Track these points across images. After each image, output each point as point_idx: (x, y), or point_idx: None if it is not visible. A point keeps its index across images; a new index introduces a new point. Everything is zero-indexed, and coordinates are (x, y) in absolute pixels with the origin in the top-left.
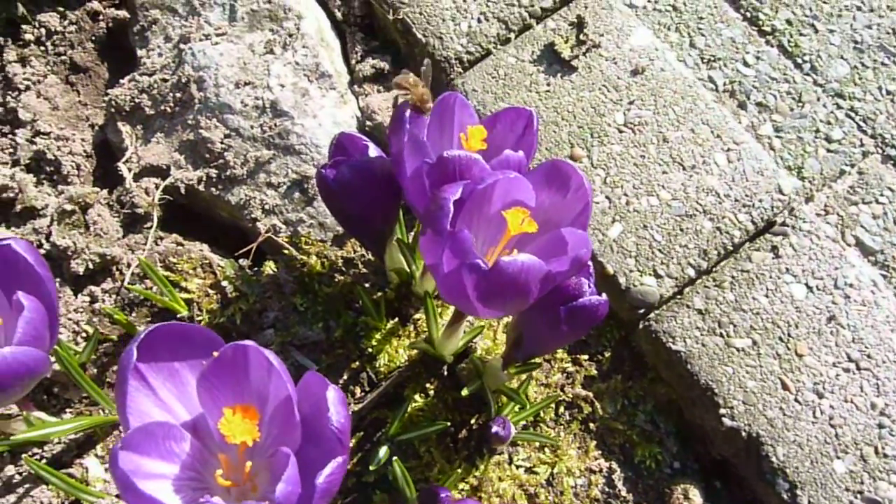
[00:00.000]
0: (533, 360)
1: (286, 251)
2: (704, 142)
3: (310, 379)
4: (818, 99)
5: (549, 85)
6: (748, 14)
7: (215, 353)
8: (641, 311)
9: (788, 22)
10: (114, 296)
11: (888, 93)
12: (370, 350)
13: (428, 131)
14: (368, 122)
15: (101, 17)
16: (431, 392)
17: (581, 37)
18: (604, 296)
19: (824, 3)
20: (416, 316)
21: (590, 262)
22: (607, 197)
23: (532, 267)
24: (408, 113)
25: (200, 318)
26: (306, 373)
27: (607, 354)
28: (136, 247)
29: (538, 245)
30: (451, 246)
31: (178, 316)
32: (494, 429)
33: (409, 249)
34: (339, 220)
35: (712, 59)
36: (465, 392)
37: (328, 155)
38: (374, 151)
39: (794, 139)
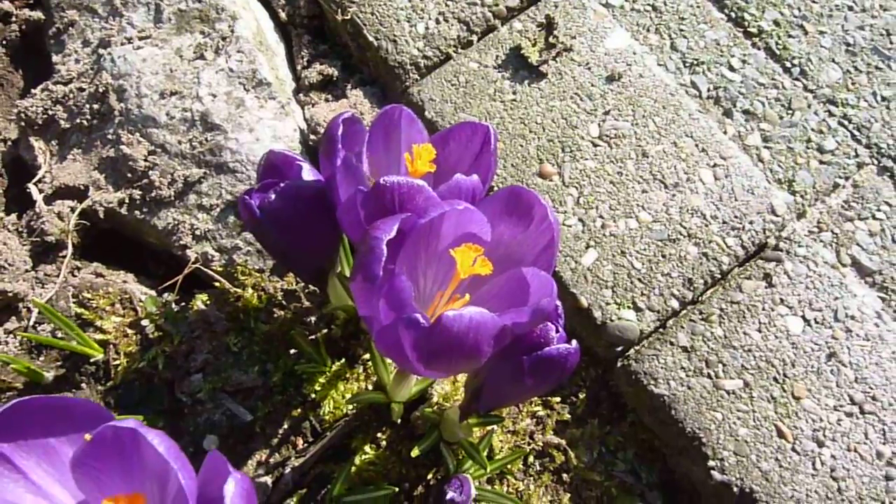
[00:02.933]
0: (495, 413)
1: (218, 283)
2: (688, 156)
3: (212, 461)
4: (809, 106)
5: (515, 93)
6: (733, 14)
7: (88, 437)
8: (619, 348)
9: (776, 23)
10: (19, 336)
11: (883, 99)
12: (313, 396)
13: (370, 151)
14: (313, 137)
15: (13, 20)
16: (383, 443)
17: (551, 39)
18: (574, 343)
19: (814, 2)
20: (366, 356)
21: (557, 302)
22: (580, 219)
23: (483, 324)
24: (341, 129)
25: (118, 362)
26: (209, 454)
27: (582, 396)
28: (48, 280)
29: (494, 288)
30: (385, 295)
31: (92, 360)
32: (450, 494)
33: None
34: (270, 254)
35: (695, 63)
36: (415, 452)
37: (257, 177)
38: (309, 173)
39: (784, 150)
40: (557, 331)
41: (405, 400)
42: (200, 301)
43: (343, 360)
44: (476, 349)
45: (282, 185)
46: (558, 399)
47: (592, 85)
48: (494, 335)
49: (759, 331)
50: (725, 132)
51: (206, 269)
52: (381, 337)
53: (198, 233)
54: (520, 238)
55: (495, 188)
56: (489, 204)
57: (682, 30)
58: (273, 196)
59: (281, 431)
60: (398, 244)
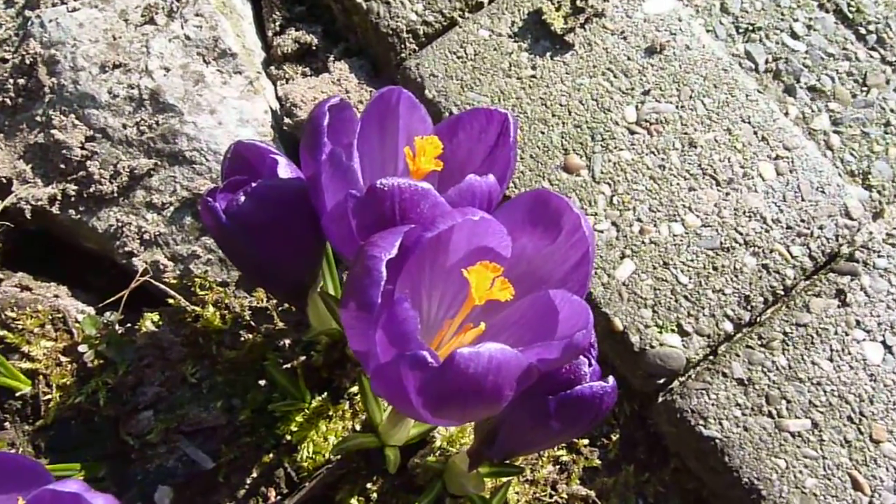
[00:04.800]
0: (512, 462)
1: (171, 300)
2: (745, 147)
3: None
4: (888, 82)
5: (535, 68)
6: None
7: (21, 502)
8: (661, 379)
9: None
10: None
11: None
12: (289, 438)
13: (361, 144)
14: (288, 120)
15: None
16: (374, 495)
17: (579, 2)
18: (611, 381)
19: None
20: (353, 388)
21: (591, 332)
22: (614, 223)
23: (505, 364)
24: (326, 119)
25: (49, 396)
26: None
27: (615, 438)
28: None
29: (515, 314)
30: (384, 326)
31: (18, 394)
32: None
33: (338, 304)
34: (238, 267)
35: (751, 28)
36: None
37: (221, 173)
38: (286, 169)
39: (858, 135)
40: (590, 364)
41: (402, 443)
42: (150, 321)
43: (325, 393)
44: (496, 394)
45: (253, 184)
46: (586, 442)
47: (629, 58)
48: (518, 376)
49: (831, 360)
50: (787, 113)
51: (156, 283)
52: (379, 377)
53: (147, 237)
54: (545, 252)
55: (512, 187)
56: (509, 211)
57: None
58: (243, 198)
59: (249, 481)
60: (399, 263)
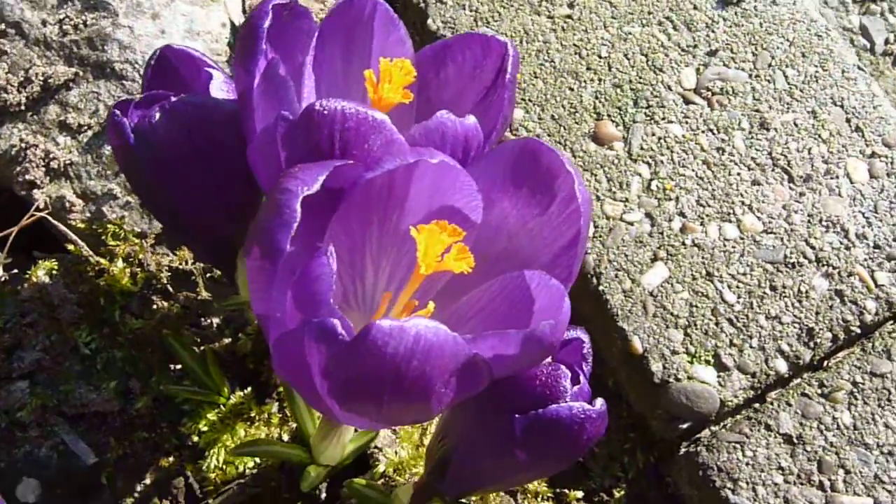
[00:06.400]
0: (468, 498)
1: (72, 247)
2: (833, 136)
3: None
4: None
5: (572, 6)
6: None
7: None
8: (686, 424)
9: None
10: None
11: None
12: (197, 440)
13: (319, 64)
14: None
15: None
16: None
17: None
18: (599, 404)
19: None
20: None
21: (585, 339)
22: (649, 215)
23: (437, 347)
24: (268, 21)
25: None
26: None
27: (618, 494)
28: None
29: (482, 299)
30: (295, 284)
31: None
32: None
33: None
34: (149, 209)
35: None
36: None
37: (142, 82)
38: (223, 88)
39: None
40: (578, 381)
41: (335, 463)
42: (43, 270)
43: (249, 389)
44: (422, 388)
45: (174, 98)
46: (580, 494)
47: (695, 7)
48: (457, 369)
49: None
50: None
51: (57, 223)
52: (280, 351)
53: (54, 165)
54: (532, 226)
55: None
56: (489, 164)
57: None
58: (158, 115)
59: (139, 489)
60: (328, 209)
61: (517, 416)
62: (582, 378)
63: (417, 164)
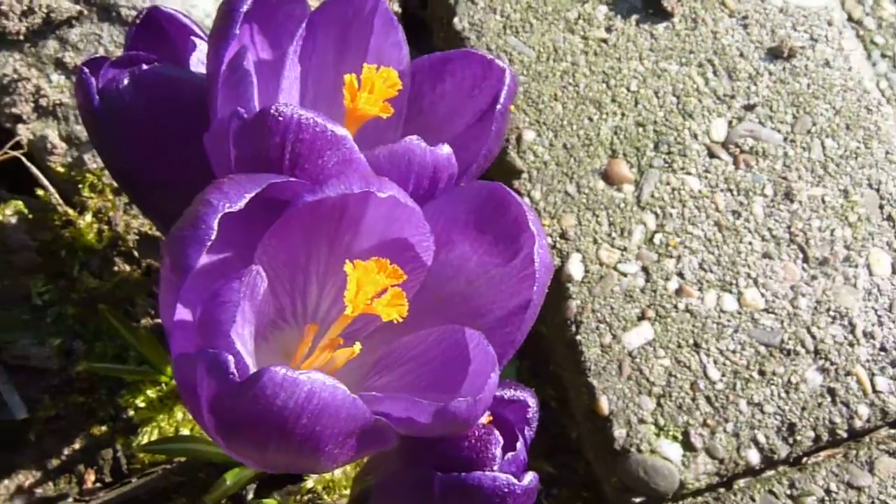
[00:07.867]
0: None
1: (42, 192)
2: (860, 221)
3: None
4: None
5: (610, 30)
6: None
7: None
8: (640, 499)
9: None
10: None
11: None
12: (132, 414)
13: (307, 55)
14: None
15: None
16: None
17: None
18: (530, 478)
19: None
20: None
21: (531, 403)
22: (645, 269)
23: (331, 409)
24: (246, 4)
25: None
26: None
27: None
28: None
29: (419, 348)
30: (203, 303)
31: None
32: None
33: None
34: (110, 172)
35: None
36: None
37: (125, 40)
38: (203, 59)
39: None
40: (514, 448)
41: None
42: (11, 209)
43: None
44: (311, 445)
45: (145, 67)
46: None
47: (741, 54)
48: (353, 432)
49: None
50: None
51: (31, 166)
52: (178, 368)
53: (44, 102)
54: (494, 275)
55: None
56: (452, 202)
57: None
58: (126, 80)
59: (67, 452)
60: (260, 225)
61: (439, 474)
62: (520, 444)
63: (364, 195)
